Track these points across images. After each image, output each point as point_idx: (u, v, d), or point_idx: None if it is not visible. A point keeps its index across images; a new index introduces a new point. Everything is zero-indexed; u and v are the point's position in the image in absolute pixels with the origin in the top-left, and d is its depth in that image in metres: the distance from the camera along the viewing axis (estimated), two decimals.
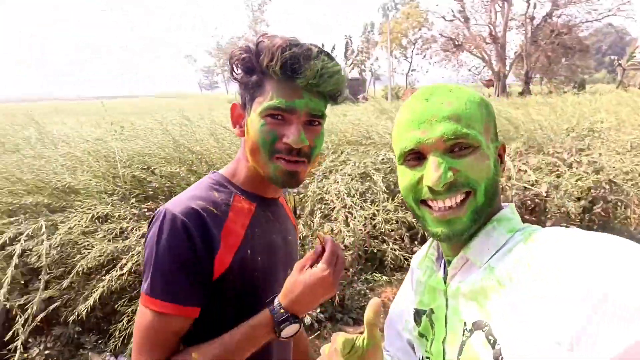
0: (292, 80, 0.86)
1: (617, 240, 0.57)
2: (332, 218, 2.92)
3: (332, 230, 2.77)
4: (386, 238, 2.89)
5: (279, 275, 1.00)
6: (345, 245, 2.71)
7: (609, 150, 4.57)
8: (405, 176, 0.72)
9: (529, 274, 0.61)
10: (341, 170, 3.09)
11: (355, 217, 2.69)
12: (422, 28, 36.69)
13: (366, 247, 2.87)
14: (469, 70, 32.83)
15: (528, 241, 0.65)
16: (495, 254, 0.69)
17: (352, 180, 3.02)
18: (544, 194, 3.66)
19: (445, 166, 0.66)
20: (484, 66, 30.87)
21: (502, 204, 0.76)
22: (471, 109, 0.69)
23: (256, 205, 0.96)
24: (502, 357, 0.62)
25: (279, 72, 0.86)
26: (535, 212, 4.34)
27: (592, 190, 4.22)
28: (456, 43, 30.00)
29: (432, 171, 0.66)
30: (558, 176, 3.97)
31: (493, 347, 0.63)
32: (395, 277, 3.22)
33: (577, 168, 4.25)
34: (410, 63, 42.28)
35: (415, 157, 0.70)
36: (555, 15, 27.04)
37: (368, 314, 0.66)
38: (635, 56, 29.12)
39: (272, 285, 0.97)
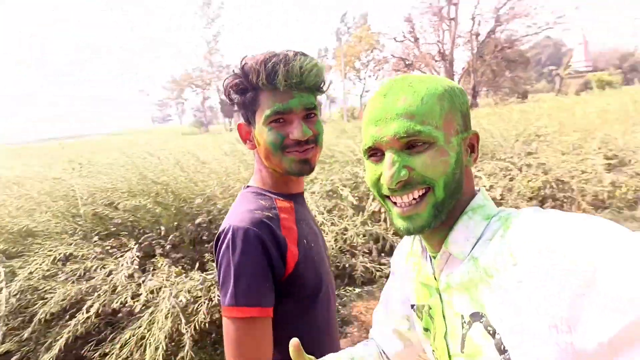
0: (280, 85, 0.97)
1: (596, 222, 0.57)
2: None
3: None
4: (356, 252, 2.93)
5: (324, 256, 1.14)
6: None
7: (554, 152, 4.88)
8: (369, 171, 0.73)
9: (513, 262, 0.61)
10: (309, 189, 3.14)
11: (327, 233, 2.72)
12: (374, 50, 37.94)
13: (337, 262, 2.90)
14: None
15: (507, 228, 0.65)
16: (476, 243, 0.68)
17: (320, 198, 3.06)
18: (499, 198, 3.83)
19: (399, 165, 0.66)
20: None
21: (475, 188, 0.75)
22: (427, 104, 0.67)
23: (292, 202, 1.08)
24: (503, 346, 0.62)
25: (267, 83, 0.97)
26: None
27: (541, 190, 4.48)
28: (407, 62, 31.15)
29: (387, 169, 0.67)
30: (511, 179, 4.20)
31: (493, 337, 0.64)
32: (365, 290, 3.26)
33: (527, 171, 4.52)
34: (364, 84, 43.45)
35: (376, 153, 0.71)
36: (499, 30, 28.73)
37: (291, 354, 0.73)
38: (571, 65, 31.28)
39: (325, 265, 1.11)
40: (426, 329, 0.82)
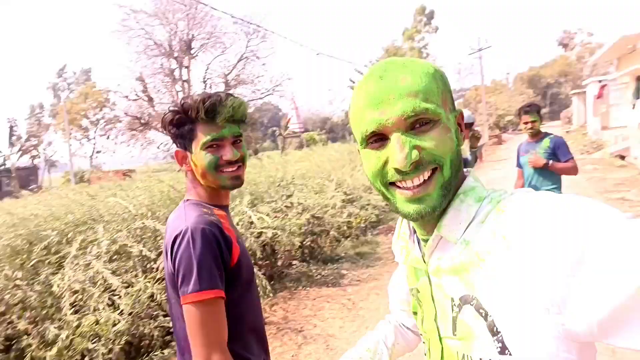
0: (215, 119, 1.22)
1: (588, 205, 0.58)
2: (92, 309, 2.48)
3: (97, 322, 2.36)
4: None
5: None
6: (120, 332, 2.37)
7: (309, 193, 5.77)
8: (370, 160, 0.69)
9: (505, 246, 0.61)
10: (91, 251, 2.70)
11: (125, 295, 2.39)
12: (103, 108, 35.27)
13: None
14: (158, 147, 33.45)
15: (498, 212, 0.65)
16: (468, 227, 0.68)
17: (110, 259, 2.68)
18: (272, 234, 4.23)
19: (409, 145, 0.63)
20: (173, 142, 32.21)
21: (464, 170, 0.74)
22: (427, 82, 0.65)
23: (224, 211, 1.31)
24: (496, 328, 0.62)
25: (205, 117, 1.21)
26: (266, 255, 4.95)
27: (304, 227, 5.20)
28: (142, 122, 30.25)
29: (398, 152, 0.63)
30: (282, 220, 4.72)
31: (485, 320, 0.64)
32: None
33: (290, 211, 5.18)
34: (94, 144, 39.57)
35: (378, 138, 0.67)
36: None
37: None
38: (289, 127, 37.20)
39: (251, 262, 1.35)
40: (415, 312, 0.84)
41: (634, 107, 18.37)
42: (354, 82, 40.31)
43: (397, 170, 0.65)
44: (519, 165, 3.99)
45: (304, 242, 5.44)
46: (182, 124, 1.24)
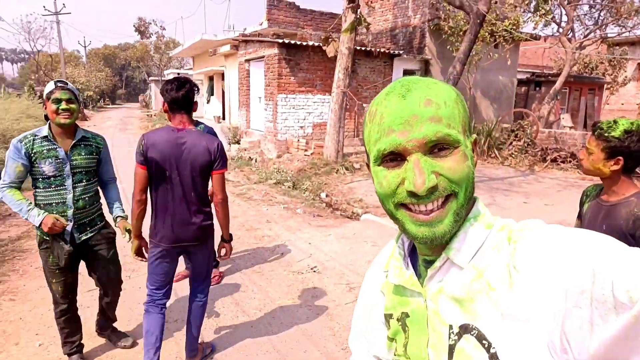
0: None
1: (596, 239, 0.57)
2: None
3: None
4: None
5: None
6: None
7: None
8: (383, 179, 0.66)
9: (516, 277, 0.60)
10: None
11: None
12: None
13: None
14: None
15: (512, 242, 0.64)
16: (477, 252, 0.66)
17: None
18: None
19: (428, 170, 0.62)
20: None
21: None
22: (450, 107, 0.64)
23: None
24: None
25: None
26: None
27: None
28: None
29: (416, 176, 0.61)
30: None
31: (488, 351, 0.61)
32: None
33: None
34: None
35: (394, 158, 0.65)
36: None
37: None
38: None
39: None
40: (391, 339, 0.78)
41: (208, 101, 21.93)
42: None
43: (412, 193, 0.63)
44: None
45: None
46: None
